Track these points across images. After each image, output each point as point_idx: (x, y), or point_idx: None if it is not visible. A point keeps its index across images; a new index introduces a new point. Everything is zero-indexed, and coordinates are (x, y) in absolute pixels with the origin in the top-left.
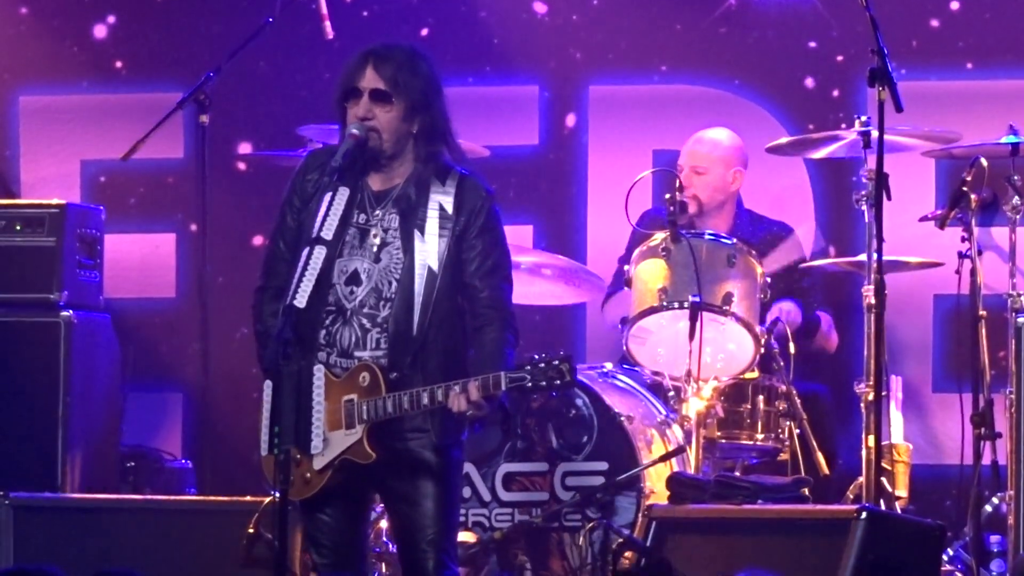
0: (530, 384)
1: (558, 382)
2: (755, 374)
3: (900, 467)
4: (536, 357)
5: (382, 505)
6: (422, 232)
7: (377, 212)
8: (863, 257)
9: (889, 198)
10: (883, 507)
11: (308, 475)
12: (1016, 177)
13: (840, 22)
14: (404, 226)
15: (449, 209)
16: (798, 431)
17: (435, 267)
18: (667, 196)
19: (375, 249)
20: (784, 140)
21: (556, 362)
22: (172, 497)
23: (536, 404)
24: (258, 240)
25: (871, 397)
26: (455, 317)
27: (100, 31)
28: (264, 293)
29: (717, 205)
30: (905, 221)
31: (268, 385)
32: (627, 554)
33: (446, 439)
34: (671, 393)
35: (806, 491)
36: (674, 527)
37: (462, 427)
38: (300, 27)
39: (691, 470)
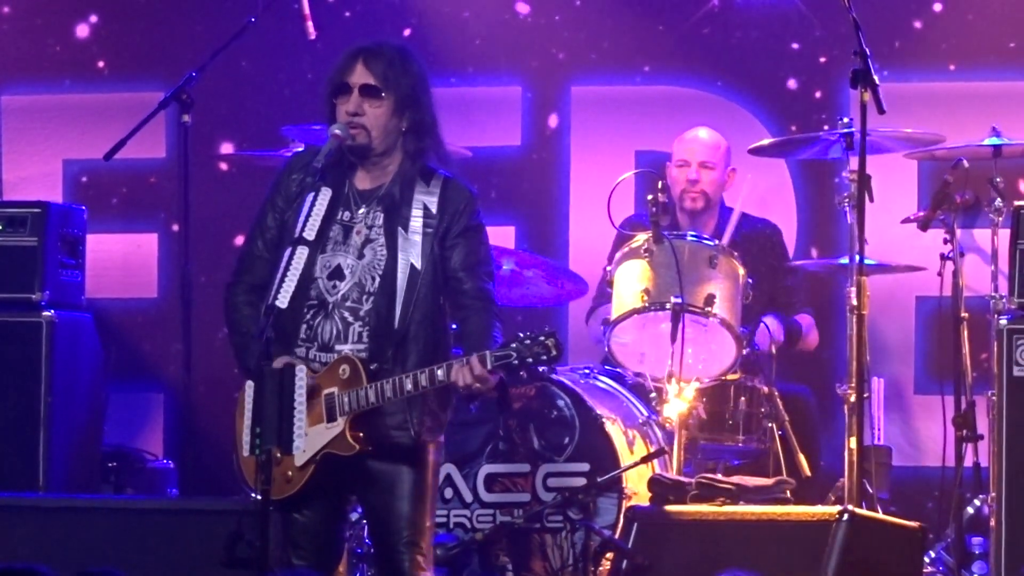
0: (516, 361)
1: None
2: (737, 375)
3: (882, 469)
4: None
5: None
6: (406, 230)
7: (362, 209)
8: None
9: (871, 199)
10: (865, 509)
11: (289, 473)
12: (998, 179)
13: (823, 23)
14: (388, 223)
15: (433, 209)
16: (780, 432)
17: (418, 264)
18: (649, 197)
19: (359, 245)
20: (767, 141)
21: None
22: (154, 497)
23: (518, 405)
24: (240, 240)
25: (853, 399)
26: (437, 315)
27: (82, 30)
28: (235, 287)
29: (716, 203)
30: (888, 223)
31: (250, 385)
32: (608, 555)
33: (426, 436)
34: (653, 394)
35: (788, 493)
36: (655, 528)
37: (442, 425)
38: (283, 27)
39: (673, 471)
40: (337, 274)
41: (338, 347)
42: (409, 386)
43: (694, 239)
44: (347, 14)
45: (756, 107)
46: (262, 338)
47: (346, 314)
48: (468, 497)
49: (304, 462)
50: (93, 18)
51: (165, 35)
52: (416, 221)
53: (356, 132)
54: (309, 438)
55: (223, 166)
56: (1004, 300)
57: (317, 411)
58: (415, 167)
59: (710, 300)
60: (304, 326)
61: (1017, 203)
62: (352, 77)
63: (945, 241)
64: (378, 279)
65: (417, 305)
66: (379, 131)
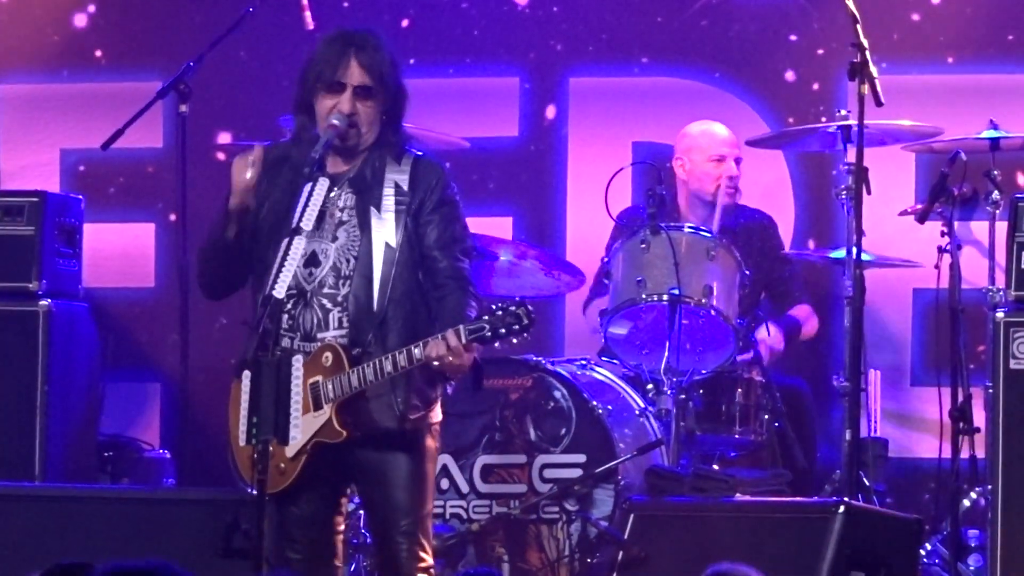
0: (489, 333)
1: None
2: (734, 367)
3: (878, 461)
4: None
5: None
6: (379, 209)
7: (333, 192)
8: (843, 252)
9: (869, 192)
10: (861, 501)
11: (282, 465)
12: (996, 172)
13: (821, 15)
14: (360, 204)
15: (405, 187)
16: (777, 425)
17: (393, 243)
18: (649, 191)
19: (332, 229)
20: (764, 133)
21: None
22: (150, 487)
23: (515, 396)
24: None
25: (850, 391)
26: (415, 293)
27: (80, 20)
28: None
29: None
30: (885, 215)
31: (246, 375)
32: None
33: (411, 414)
34: (649, 386)
35: (784, 485)
36: (652, 520)
37: (432, 401)
38: (281, 17)
39: (669, 463)
40: (312, 261)
41: (320, 335)
42: (389, 367)
43: (692, 231)
44: (345, 4)
45: (754, 99)
46: (259, 329)
47: (324, 301)
48: (464, 488)
49: (295, 452)
50: (91, 8)
51: (163, 25)
52: (388, 200)
53: (351, 131)
54: (300, 428)
55: (221, 156)
56: (1001, 293)
57: (304, 401)
58: (384, 149)
59: (707, 292)
60: (286, 316)
61: (1015, 196)
62: (347, 76)
63: (942, 234)
64: (353, 261)
65: (395, 284)
66: (368, 127)
